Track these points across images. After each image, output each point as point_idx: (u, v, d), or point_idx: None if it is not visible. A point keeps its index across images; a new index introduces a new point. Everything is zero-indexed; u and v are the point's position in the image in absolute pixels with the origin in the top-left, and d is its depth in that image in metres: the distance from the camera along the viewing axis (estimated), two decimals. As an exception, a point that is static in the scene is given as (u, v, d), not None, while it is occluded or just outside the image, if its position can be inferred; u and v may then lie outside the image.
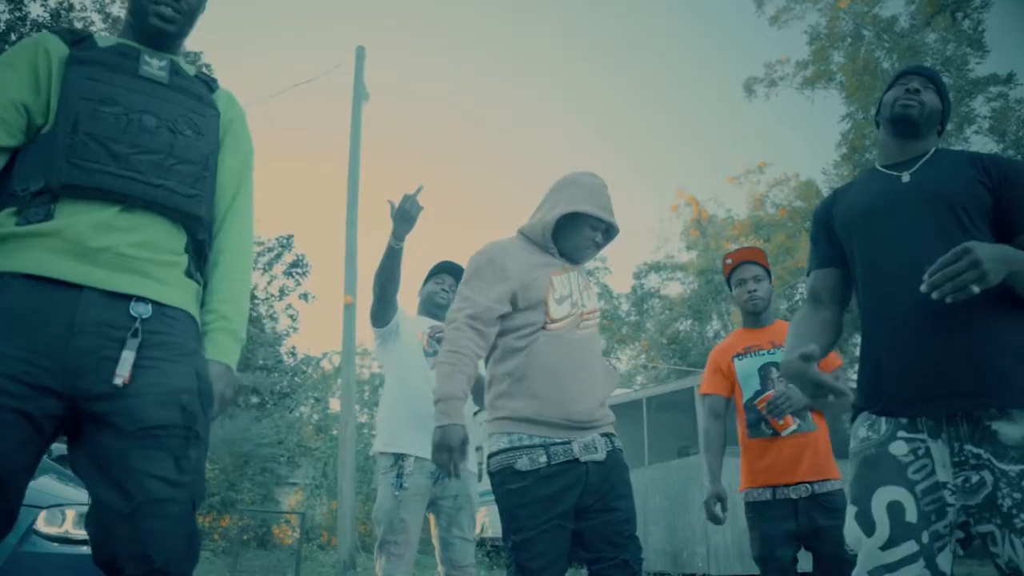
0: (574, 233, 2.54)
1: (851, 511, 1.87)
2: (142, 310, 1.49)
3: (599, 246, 2.58)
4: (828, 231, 2.12)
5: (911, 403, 1.83)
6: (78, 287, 1.45)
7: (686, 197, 29.50)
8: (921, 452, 1.81)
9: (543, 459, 2.27)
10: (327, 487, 18.54)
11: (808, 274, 2.19)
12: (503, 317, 2.42)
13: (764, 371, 3.33)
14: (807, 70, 20.22)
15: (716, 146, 51.77)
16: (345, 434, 11.20)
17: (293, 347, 23.31)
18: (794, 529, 3.15)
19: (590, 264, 26.31)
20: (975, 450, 1.76)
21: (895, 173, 2.04)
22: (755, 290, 3.37)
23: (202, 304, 1.71)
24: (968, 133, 17.75)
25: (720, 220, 28.55)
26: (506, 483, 2.29)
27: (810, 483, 3.14)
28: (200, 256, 1.70)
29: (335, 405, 23.09)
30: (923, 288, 1.66)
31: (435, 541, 3.28)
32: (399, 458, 3.16)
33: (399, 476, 3.11)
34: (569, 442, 2.31)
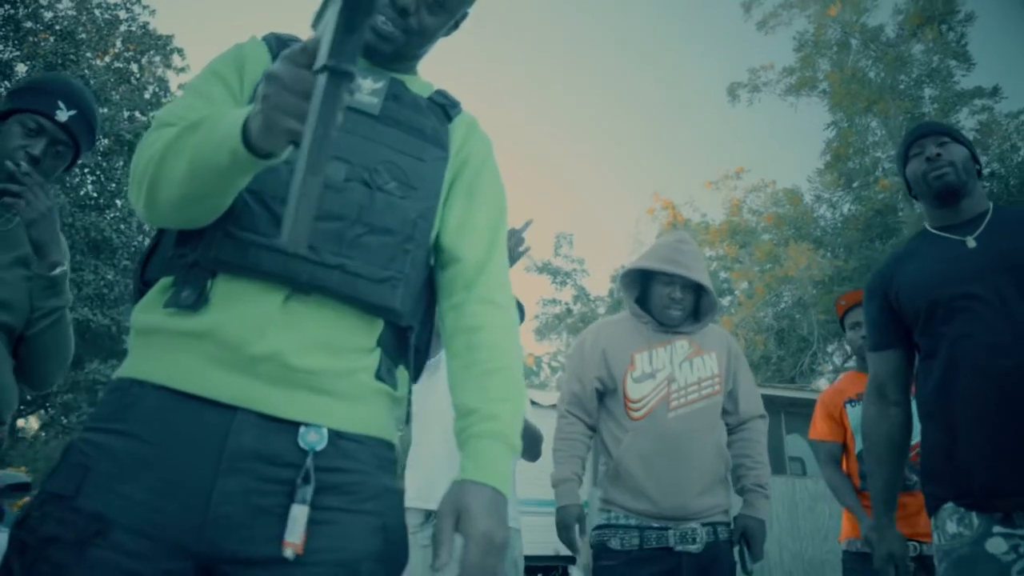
0: (652, 296, 2.54)
1: None
2: (314, 440, 1.07)
3: (678, 301, 2.49)
4: (887, 307, 2.01)
5: (1007, 497, 1.70)
6: (231, 408, 1.06)
7: (662, 201, 29.41)
8: (1022, 550, 1.67)
9: (635, 541, 2.32)
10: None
11: (868, 351, 2.13)
12: (604, 393, 2.51)
13: None
14: (792, 76, 20.17)
15: (695, 151, 51.98)
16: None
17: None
18: None
19: (567, 265, 26.46)
20: None
21: (957, 237, 1.92)
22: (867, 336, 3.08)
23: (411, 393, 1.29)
24: (953, 145, 17.73)
25: (695, 225, 28.51)
26: (599, 558, 2.40)
27: (920, 543, 2.88)
28: (401, 347, 1.24)
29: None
30: None
31: None
32: (432, 516, 2.70)
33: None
34: (666, 529, 2.32)
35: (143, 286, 1.19)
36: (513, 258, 2.65)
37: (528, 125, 57.40)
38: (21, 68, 13.90)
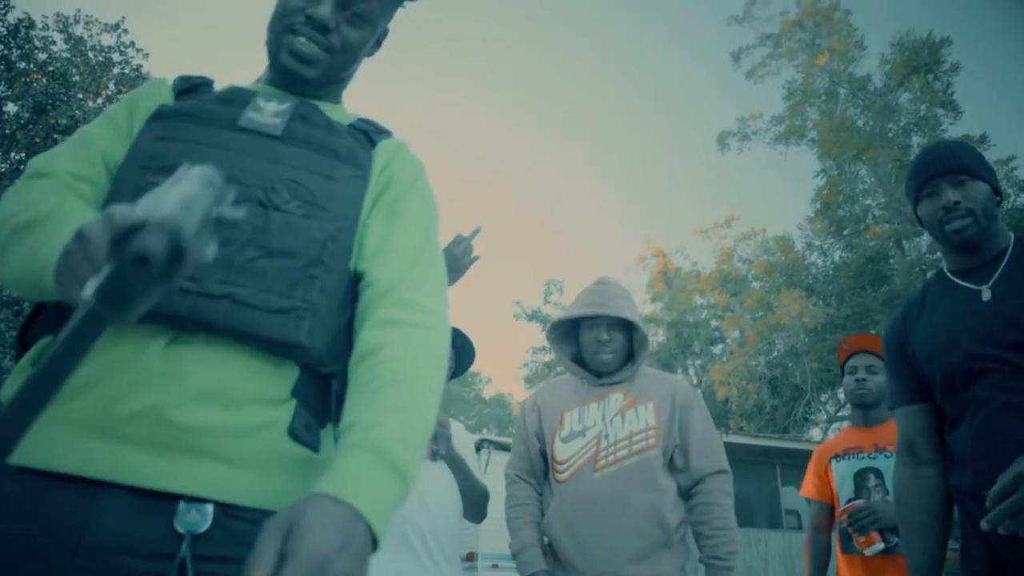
0: (582, 347, 2.41)
1: None
2: (194, 521, 0.87)
3: (606, 343, 2.33)
4: (906, 361, 1.84)
5: None
6: (98, 484, 0.87)
7: (653, 248, 29.39)
8: None
9: None
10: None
11: (891, 408, 1.93)
12: (547, 455, 2.37)
13: (860, 477, 2.95)
14: (781, 125, 20.29)
15: (686, 199, 52.39)
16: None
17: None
18: None
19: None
20: None
21: (972, 286, 1.74)
22: (864, 380, 2.97)
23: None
24: (942, 193, 17.87)
25: (685, 273, 28.46)
26: None
27: None
28: (323, 399, 1.04)
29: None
30: (984, 525, 1.42)
31: None
32: None
33: None
34: None
35: (24, 351, 1.03)
36: (462, 266, 2.41)
37: (520, 172, 57.84)
38: (11, 107, 13.83)
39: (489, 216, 59.55)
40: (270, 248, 0.99)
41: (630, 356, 2.40)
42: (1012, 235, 1.79)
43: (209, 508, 0.88)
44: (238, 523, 0.90)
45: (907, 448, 1.85)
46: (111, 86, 16.75)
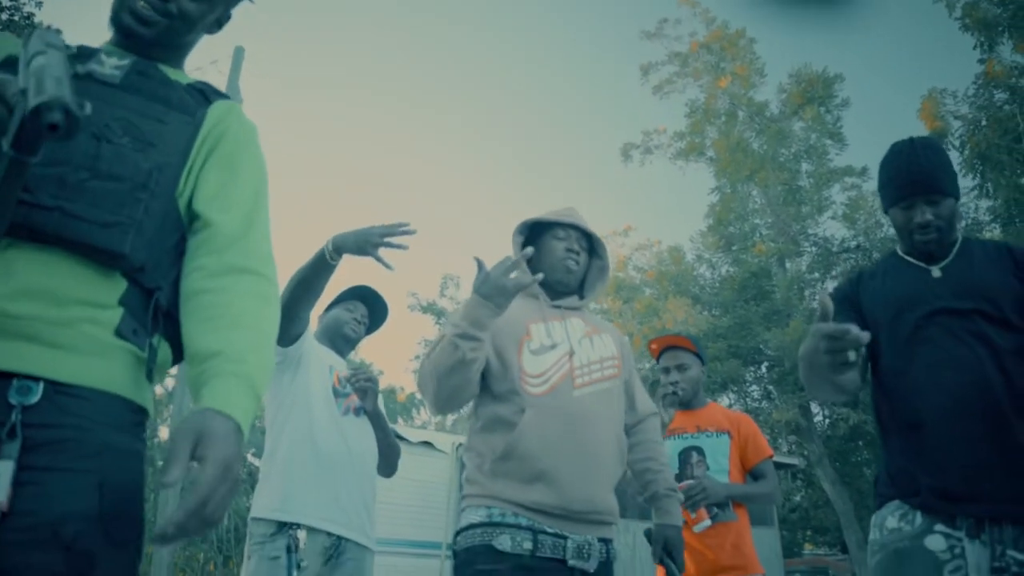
0: (547, 255, 2.24)
1: None
2: (25, 394, 1.05)
3: (576, 253, 2.24)
4: (854, 308, 2.04)
5: (952, 502, 1.75)
6: None
7: (552, 252, 29.81)
8: (957, 551, 1.72)
9: (528, 544, 1.90)
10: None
11: None
12: (485, 377, 2.09)
13: (684, 456, 3.13)
14: (682, 141, 20.99)
15: (587, 204, 53.33)
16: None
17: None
18: None
19: (452, 307, 26.26)
20: (1019, 556, 1.67)
21: (923, 265, 2.00)
22: (677, 381, 3.13)
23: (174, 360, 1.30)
24: (824, 218, 18.95)
25: (582, 278, 29.00)
26: (475, 562, 1.92)
27: None
28: (150, 311, 1.21)
29: (164, 434, 21.03)
30: None
31: None
32: (286, 528, 2.44)
33: (290, 552, 2.39)
34: (564, 537, 1.95)
35: None
36: (367, 250, 2.36)
37: (423, 166, 57.63)
38: None
39: (389, 206, 59.04)
40: (100, 172, 1.14)
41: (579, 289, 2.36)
42: (961, 235, 2.04)
43: (41, 384, 1.05)
44: (65, 398, 1.07)
45: None
46: (-11, 26, 15.80)
